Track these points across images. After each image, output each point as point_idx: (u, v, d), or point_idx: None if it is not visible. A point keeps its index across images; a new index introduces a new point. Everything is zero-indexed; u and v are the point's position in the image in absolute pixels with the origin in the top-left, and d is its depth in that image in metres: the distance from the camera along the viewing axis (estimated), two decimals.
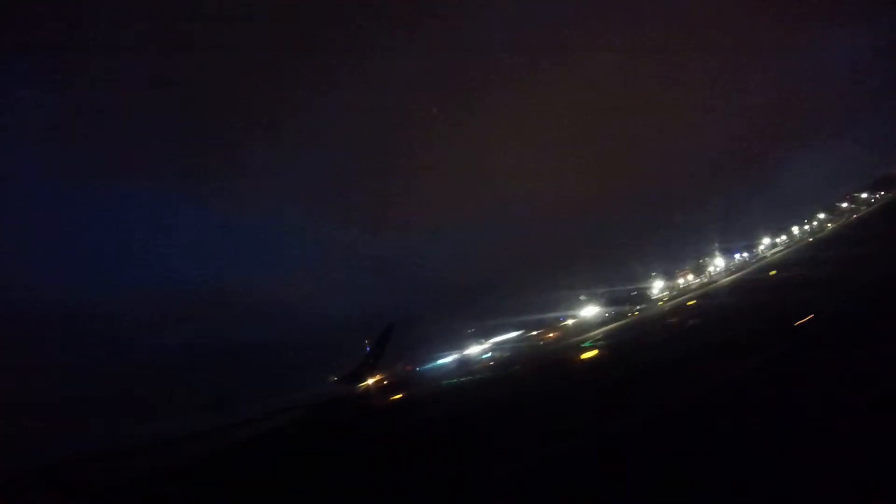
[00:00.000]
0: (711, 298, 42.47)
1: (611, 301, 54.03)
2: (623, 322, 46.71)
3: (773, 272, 44.88)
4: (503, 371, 40.90)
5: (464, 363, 56.48)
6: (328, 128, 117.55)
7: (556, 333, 58.06)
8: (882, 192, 60.05)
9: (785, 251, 57.78)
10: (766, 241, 63.34)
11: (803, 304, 18.81)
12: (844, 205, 65.01)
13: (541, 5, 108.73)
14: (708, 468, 8.03)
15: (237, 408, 32.29)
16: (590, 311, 50.50)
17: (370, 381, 42.39)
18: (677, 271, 64.77)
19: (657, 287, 57.42)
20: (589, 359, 28.70)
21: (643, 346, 26.77)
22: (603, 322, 49.52)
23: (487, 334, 58.86)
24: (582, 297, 51.03)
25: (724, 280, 53.47)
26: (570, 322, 52.33)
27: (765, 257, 58.92)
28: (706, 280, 58.75)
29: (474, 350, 57.16)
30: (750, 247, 64.87)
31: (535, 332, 57.04)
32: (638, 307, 53.38)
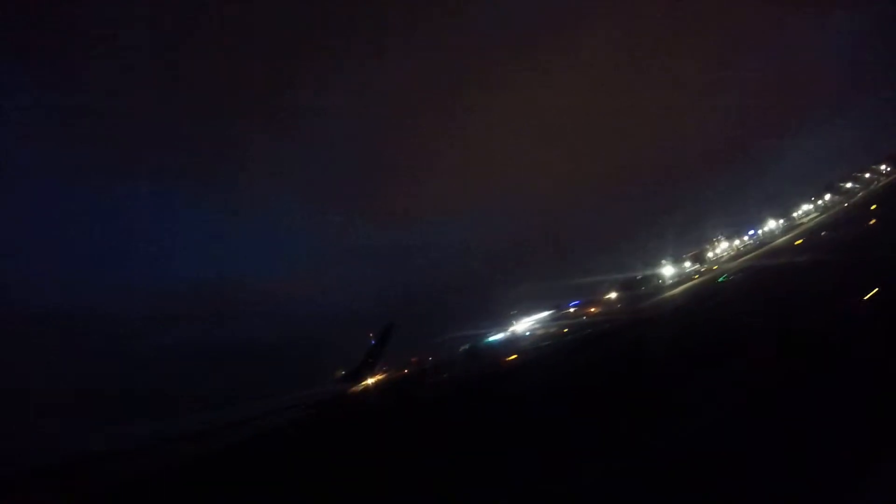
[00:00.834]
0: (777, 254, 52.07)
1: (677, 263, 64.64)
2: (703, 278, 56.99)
3: (823, 233, 54.06)
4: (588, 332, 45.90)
5: (535, 331, 62.46)
6: (329, 121, 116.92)
7: (598, 307, 66.54)
8: None
9: (823, 216, 67.98)
10: (804, 208, 73.46)
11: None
12: (867, 175, 74.77)
13: None
14: None
15: (237, 407, 31.83)
16: (668, 270, 60.80)
17: (370, 381, 42.72)
18: (715, 240, 75.31)
19: (717, 251, 67.63)
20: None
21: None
22: (679, 280, 60.06)
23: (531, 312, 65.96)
24: (663, 261, 61.17)
25: (777, 242, 63.69)
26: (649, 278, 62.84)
27: (803, 222, 68.99)
28: (758, 243, 69.02)
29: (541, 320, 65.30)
30: (786, 215, 75.02)
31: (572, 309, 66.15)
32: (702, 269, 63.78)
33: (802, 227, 63.16)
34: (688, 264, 64.22)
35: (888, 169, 67.93)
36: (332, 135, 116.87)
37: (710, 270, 60.25)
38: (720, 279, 44.68)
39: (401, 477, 13.75)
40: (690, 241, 69.59)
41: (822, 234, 53.13)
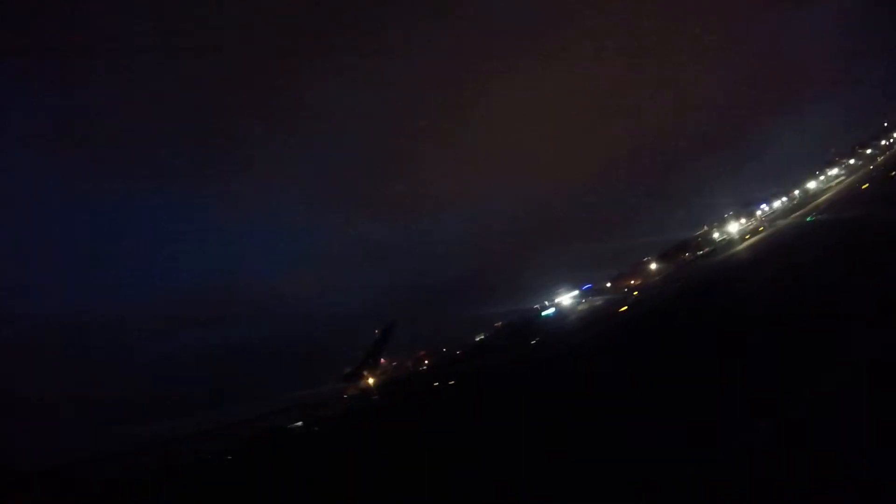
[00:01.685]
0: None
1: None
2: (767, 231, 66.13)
3: (866, 185, 63.59)
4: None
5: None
6: (330, 118, 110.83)
7: (639, 280, 72.76)
8: None
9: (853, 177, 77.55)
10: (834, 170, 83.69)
11: None
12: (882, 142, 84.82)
13: None
14: None
15: (238, 408, 30.90)
16: (734, 226, 70.33)
17: (371, 380, 42.27)
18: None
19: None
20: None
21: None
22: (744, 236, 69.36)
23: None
24: (726, 215, 70.54)
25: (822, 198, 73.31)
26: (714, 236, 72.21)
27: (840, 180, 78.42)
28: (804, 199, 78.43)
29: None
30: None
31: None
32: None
33: (841, 184, 72.58)
34: (742, 221, 73.67)
35: None
36: (333, 132, 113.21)
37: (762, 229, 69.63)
38: (808, 219, 52.39)
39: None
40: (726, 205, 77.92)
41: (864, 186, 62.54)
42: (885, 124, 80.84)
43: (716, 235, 73.30)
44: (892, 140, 79.77)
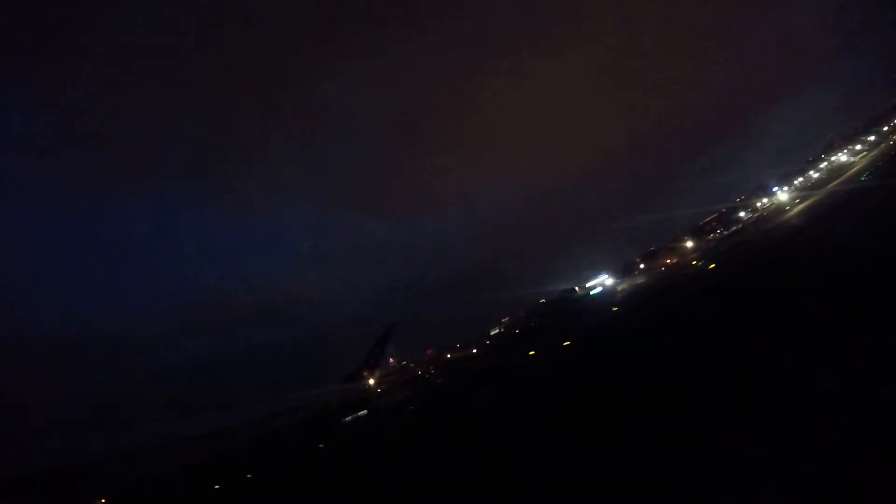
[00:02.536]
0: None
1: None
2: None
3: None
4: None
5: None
6: (331, 121, 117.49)
7: (674, 259, 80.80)
8: None
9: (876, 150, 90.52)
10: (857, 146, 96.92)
11: None
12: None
13: None
14: None
15: (240, 409, 30.57)
16: (783, 195, 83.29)
17: (371, 381, 42.87)
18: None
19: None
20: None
21: None
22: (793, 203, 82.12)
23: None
24: (774, 188, 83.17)
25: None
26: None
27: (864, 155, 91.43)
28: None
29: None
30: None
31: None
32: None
33: (865, 158, 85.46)
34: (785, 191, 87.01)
35: None
36: (334, 135, 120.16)
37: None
38: (862, 178, 63.35)
39: None
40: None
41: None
42: None
43: (759, 204, 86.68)
44: None
